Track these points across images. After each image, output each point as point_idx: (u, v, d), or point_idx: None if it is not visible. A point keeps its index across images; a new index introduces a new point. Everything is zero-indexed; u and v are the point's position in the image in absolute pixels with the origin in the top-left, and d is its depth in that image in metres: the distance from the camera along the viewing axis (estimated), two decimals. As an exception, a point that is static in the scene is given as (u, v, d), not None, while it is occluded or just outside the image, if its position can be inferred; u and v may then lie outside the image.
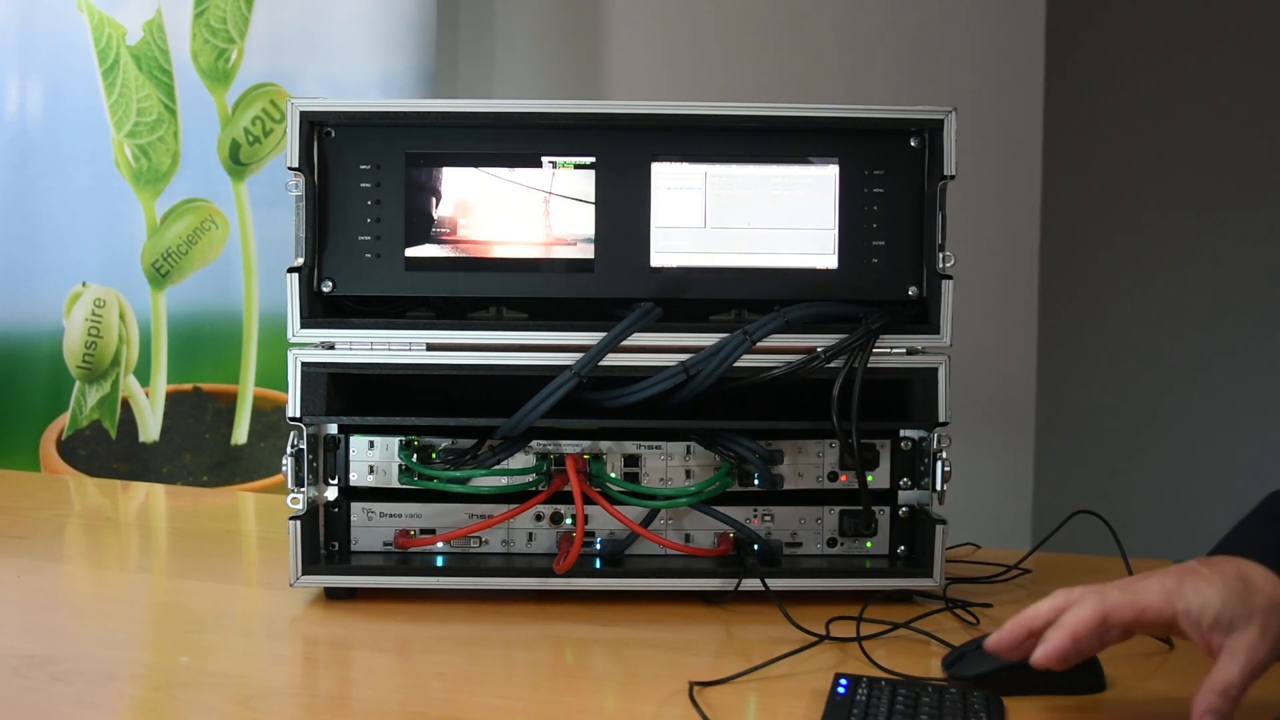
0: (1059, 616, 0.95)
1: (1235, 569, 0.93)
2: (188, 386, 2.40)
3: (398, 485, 1.34)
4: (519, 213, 1.32)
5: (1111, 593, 0.94)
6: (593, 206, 1.32)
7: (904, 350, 1.30)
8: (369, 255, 1.32)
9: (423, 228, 1.32)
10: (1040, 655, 0.94)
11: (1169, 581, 0.93)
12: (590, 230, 1.32)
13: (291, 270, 1.29)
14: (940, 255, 1.31)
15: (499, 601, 1.30)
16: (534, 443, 1.33)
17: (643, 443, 1.34)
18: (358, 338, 1.29)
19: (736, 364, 1.28)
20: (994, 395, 2.57)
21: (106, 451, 2.39)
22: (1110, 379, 3.32)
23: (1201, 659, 0.97)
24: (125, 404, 2.39)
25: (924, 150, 1.32)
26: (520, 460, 1.33)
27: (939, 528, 1.30)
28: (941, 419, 1.30)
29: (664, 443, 1.34)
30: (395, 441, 1.33)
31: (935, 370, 1.30)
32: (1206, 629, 0.92)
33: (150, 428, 2.39)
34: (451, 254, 1.32)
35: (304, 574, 1.29)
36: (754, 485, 1.34)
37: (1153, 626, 0.94)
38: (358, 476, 1.34)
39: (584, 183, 1.32)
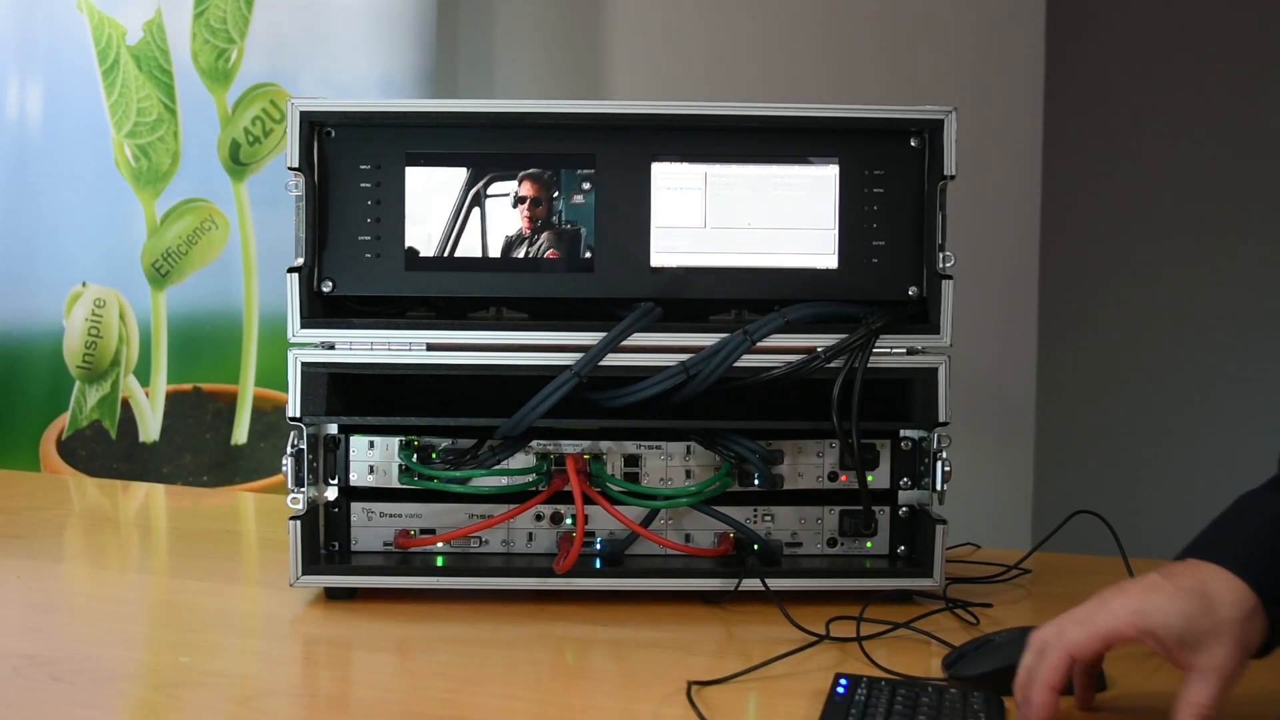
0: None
1: (1197, 581, 0.93)
2: (188, 386, 2.40)
3: (398, 485, 1.34)
4: (519, 212, 1.32)
5: (1072, 630, 0.94)
6: (593, 207, 1.32)
7: (904, 350, 1.30)
8: (369, 255, 1.32)
9: (422, 227, 1.32)
10: (1033, 718, 0.95)
11: (1131, 601, 0.93)
12: (590, 230, 1.32)
13: (291, 270, 1.29)
14: (940, 255, 1.31)
15: (499, 601, 1.30)
16: (534, 443, 1.33)
17: (643, 443, 1.34)
18: (358, 338, 1.29)
19: (736, 364, 1.28)
20: (994, 395, 2.57)
21: (106, 451, 2.39)
22: (1110, 379, 3.32)
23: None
24: (125, 404, 2.39)
25: (924, 150, 1.32)
26: (520, 460, 1.33)
27: (939, 528, 1.30)
28: (941, 419, 1.30)
29: (664, 443, 1.34)
30: (395, 441, 1.33)
31: (935, 370, 1.30)
32: (1173, 648, 0.92)
33: (150, 428, 2.39)
34: (451, 254, 1.32)
35: (304, 574, 1.29)
36: (754, 485, 1.34)
37: (1123, 645, 0.95)
38: (358, 476, 1.34)
39: (584, 183, 1.32)
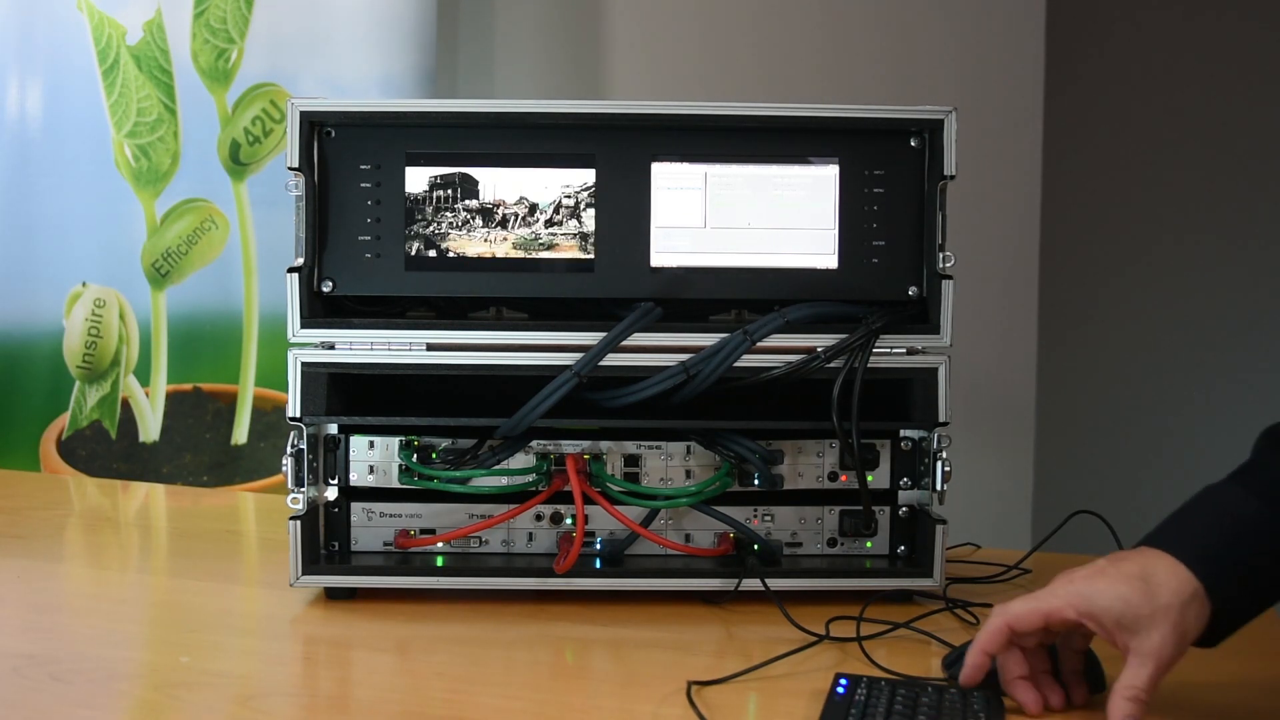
0: None
1: (1139, 566, 0.95)
2: (188, 386, 2.40)
3: (398, 485, 1.34)
4: (519, 212, 1.32)
5: (1017, 604, 0.98)
6: (593, 207, 1.32)
7: (904, 350, 1.30)
8: (369, 255, 1.32)
9: (422, 227, 1.32)
10: (962, 677, 1.00)
11: (1075, 585, 0.96)
12: (590, 230, 1.32)
13: (291, 270, 1.29)
14: (940, 255, 1.31)
15: (499, 601, 1.30)
16: (534, 443, 1.33)
17: (643, 443, 1.34)
18: (358, 338, 1.29)
19: (736, 364, 1.28)
20: (994, 395, 2.57)
21: (106, 451, 2.39)
22: (1110, 378, 3.32)
23: (1197, 660, 0.97)
24: (125, 404, 2.39)
25: (924, 150, 1.32)
26: (520, 460, 1.33)
27: (939, 528, 1.30)
28: (941, 419, 1.30)
29: (664, 443, 1.34)
30: (395, 441, 1.33)
31: (935, 370, 1.30)
32: (1111, 630, 0.94)
33: (150, 428, 2.39)
34: (451, 254, 1.32)
35: (304, 574, 1.29)
36: (754, 485, 1.34)
37: (1064, 628, 0.98)
38: (358, 476, 1.34)
39: (584, 183, 1.32)
